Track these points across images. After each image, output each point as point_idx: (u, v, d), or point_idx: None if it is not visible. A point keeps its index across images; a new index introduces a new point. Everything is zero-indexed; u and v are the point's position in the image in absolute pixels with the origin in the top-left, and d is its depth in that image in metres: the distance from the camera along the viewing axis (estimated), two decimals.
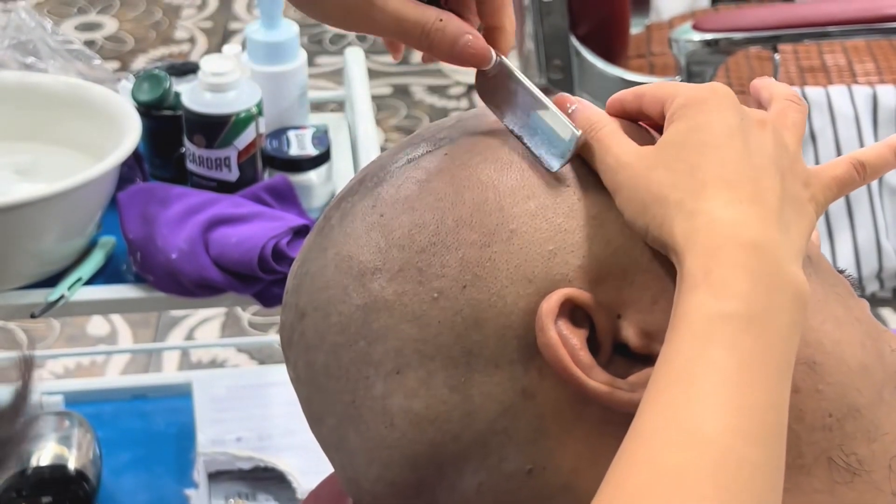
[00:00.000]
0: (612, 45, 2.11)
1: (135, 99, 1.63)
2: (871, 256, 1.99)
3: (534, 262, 0.68)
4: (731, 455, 0.59)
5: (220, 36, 3.82)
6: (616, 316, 0.68)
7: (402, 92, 3.50)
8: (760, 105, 0.75)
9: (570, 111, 0.72)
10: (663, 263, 0.68)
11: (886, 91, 2.00)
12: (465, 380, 0.68)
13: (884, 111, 1.99)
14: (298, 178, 1.62)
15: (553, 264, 0.68)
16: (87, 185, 1.46)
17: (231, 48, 1.61)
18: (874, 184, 1.98)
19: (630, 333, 0.67)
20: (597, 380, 0.66)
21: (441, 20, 0.70)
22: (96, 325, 2.70)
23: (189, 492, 1.76)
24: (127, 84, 1.69)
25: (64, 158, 1.61)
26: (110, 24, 3.86)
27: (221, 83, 1.55)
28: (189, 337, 2.65)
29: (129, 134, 1.53)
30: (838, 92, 2.01)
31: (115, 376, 2.50)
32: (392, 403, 0.69)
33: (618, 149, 0.69)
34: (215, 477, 1.79)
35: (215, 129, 1.55)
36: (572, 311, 0.67)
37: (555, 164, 0.70)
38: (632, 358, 0.67)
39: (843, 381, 0.70)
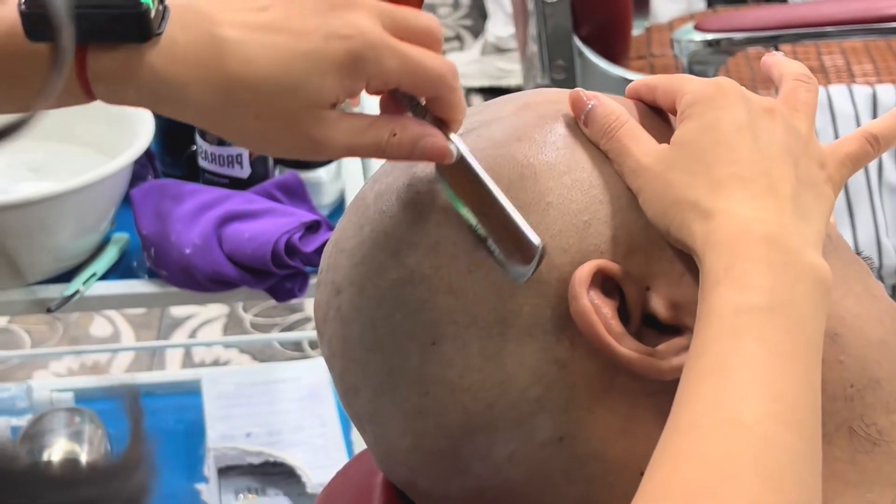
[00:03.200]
0: (614, 46, 2.13)
1: None
2: (871, 254, 2.01)
3: (568, 232, 0.70)
4: (772, 442, 0.61)
5: None
6: (645, 287, 0.70)
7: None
8: (771, 82, 0.77)
9: (588, 108, 0.74)
10: None
11: (886, 90, 2.03)
12: (499, 349, 0.70)
13: (883, 110, 2.01)
14: (308, 176, 1.64)
15: (587, 235, 0.70)
16: (101, 181, 1.48)
17: None
18: (874, 181, 2.00)
19: (659, 305, 0.69)
20: (628, 347, 0.68)
21: (395, 135, 0.70)
22: (99, 326, 2.72)
23: (199, 486, 1.78)
24: None
25: (77, 157, 1.63)
26: None
27: None
28: (192, 338, 2.67)
29: (143, 132, 1.55)
30: (838, 91, 2.03)
31: (123, 374, 2.52)
32: (427, 373, 0.71)
33: (636, 150, 0.71)
34: (225, 472, 1.81)
35: None
36: (603, 282, 0.69)
37: (521, 275, 0.69)
38: (660, 329, 0.70)
39: (863, 354, 0.72)
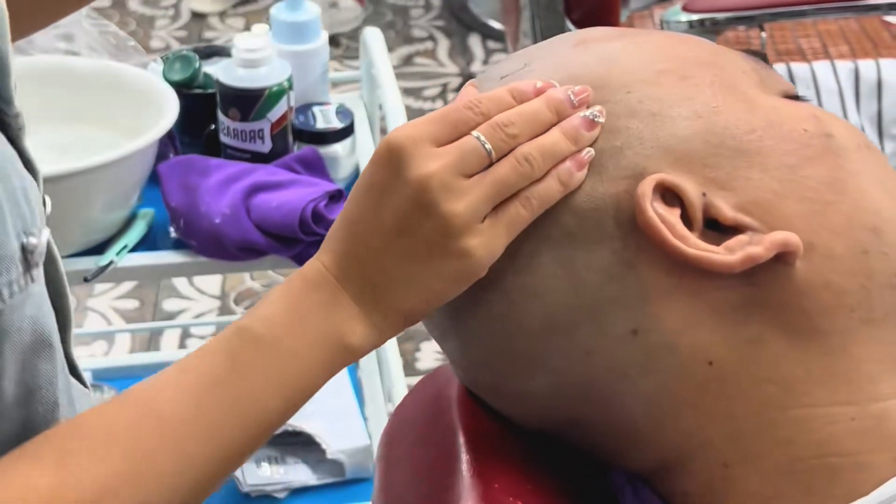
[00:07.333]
0: None
1: (166, 79, 1.71)
2: None
3: (617, 153, 0.77)
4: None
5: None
6: (702, 194, 0.76)
7: None
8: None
9: None
10: (733, 146, 0.77)
11: (867, 65, 2.11)
12: (568, 256, 0.77)
13: (865, 84, 2.09)
14: (325, 151, 1.70)
15: (640, 158, 0.77)
16: (131, 156, 1.54)
17: (260, 27, 1.70)
18: None
19: (719, 207, 0.76)
20: (696, 248, 0.75)
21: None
22: (93, 321, 2.76)
23: None
24: (156, 66, 1.77)
25: (103, 137, 1.68)
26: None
27: (255, 59, 1.64)
28: (184, 332, 2.71)
29: (168, 110, 1.62)
30: (822, 67, 2.12)
31: (139, 354, 2.57)
32: (505, 281, 0.78)
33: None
34: None
35: (250, 102, 1.64)
36: (664, 194, 0.76)
37: None
38: (720, 231, 0.76)
39: None
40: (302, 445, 1.86)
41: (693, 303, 0.76)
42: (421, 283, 0.77)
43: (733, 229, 0.76)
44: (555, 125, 0.78)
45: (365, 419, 1.91)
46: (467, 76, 3.71)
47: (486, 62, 3.79)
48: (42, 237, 0.78)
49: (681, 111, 0.78)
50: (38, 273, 0.79)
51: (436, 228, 0.76)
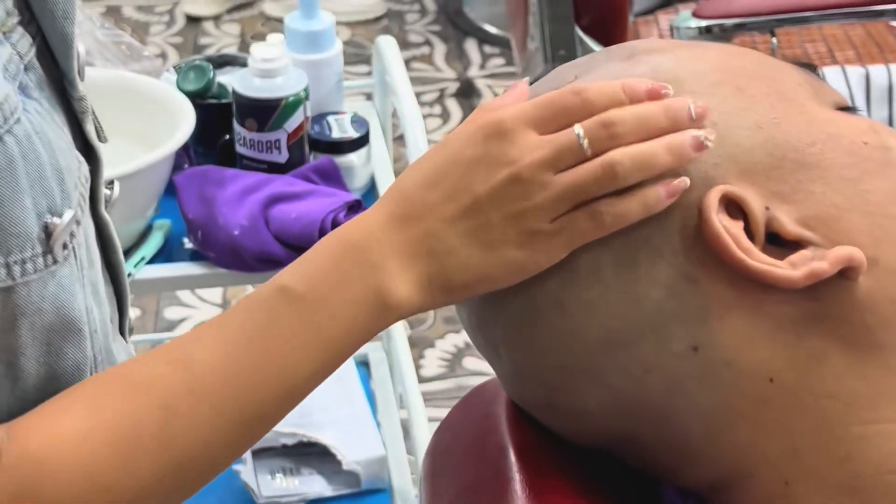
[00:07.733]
0: (612, 36, 2.20)
1: (181, 89, 1.70)
2: None
3: (691, 165, 0.77)
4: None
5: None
6: (765, 208, 0.76)
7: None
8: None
9: None
10: (795, 159, 0.76)
11: (878, 71, 2.11)
12: (631, 269, 0.76)
13: (876, 90, 2.09)
14: (340, 160, 1.69)
15: (699, 166, 0.76)
16: (149, 168, 1.53)
17: (275, 37, 1.69)
18: None
19: (784, 221, 0.75)
20: (758, 261, 0.75)
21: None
22: None
23: (237, 467, 1.83)
24: (169, 76, 1.76)
25: (118, 148, 1.67)
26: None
27: (271, 69, 1.63)
28: None
29: (184, 121, 1.61)
30: (833, 72, 2.12)
31: None
32: (566, 295, 0.77)
33: None
34: (259, 454, 1.85)
35: (267, 112, 1.63)
36: (728, 206, 0.76)
37: None
38: (780, 245, 0.76)
39: None
40: (317, 456, 1.85)
41: (754, 318, 0.75)
42: (478, 263, 0.76)
43: (794, 244, 0.76)
44: (664, 135, 0.76)
45: (378, 425, 1.91)
46: (465, 81, 3.70)
47: (483, 67, 3.79)
48: (65, 218, 0.75)
49: (740, 122, 0.77)
50: (69, 255, 0.77)
51: (511, 216, 0.76)
